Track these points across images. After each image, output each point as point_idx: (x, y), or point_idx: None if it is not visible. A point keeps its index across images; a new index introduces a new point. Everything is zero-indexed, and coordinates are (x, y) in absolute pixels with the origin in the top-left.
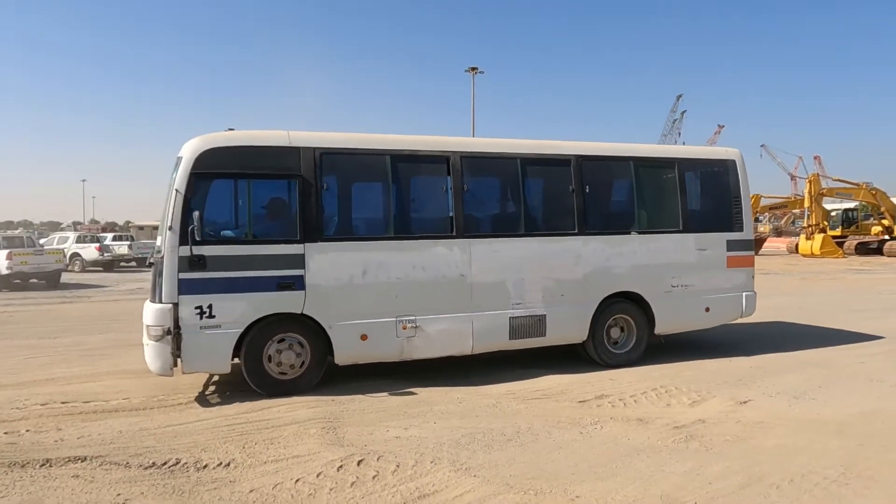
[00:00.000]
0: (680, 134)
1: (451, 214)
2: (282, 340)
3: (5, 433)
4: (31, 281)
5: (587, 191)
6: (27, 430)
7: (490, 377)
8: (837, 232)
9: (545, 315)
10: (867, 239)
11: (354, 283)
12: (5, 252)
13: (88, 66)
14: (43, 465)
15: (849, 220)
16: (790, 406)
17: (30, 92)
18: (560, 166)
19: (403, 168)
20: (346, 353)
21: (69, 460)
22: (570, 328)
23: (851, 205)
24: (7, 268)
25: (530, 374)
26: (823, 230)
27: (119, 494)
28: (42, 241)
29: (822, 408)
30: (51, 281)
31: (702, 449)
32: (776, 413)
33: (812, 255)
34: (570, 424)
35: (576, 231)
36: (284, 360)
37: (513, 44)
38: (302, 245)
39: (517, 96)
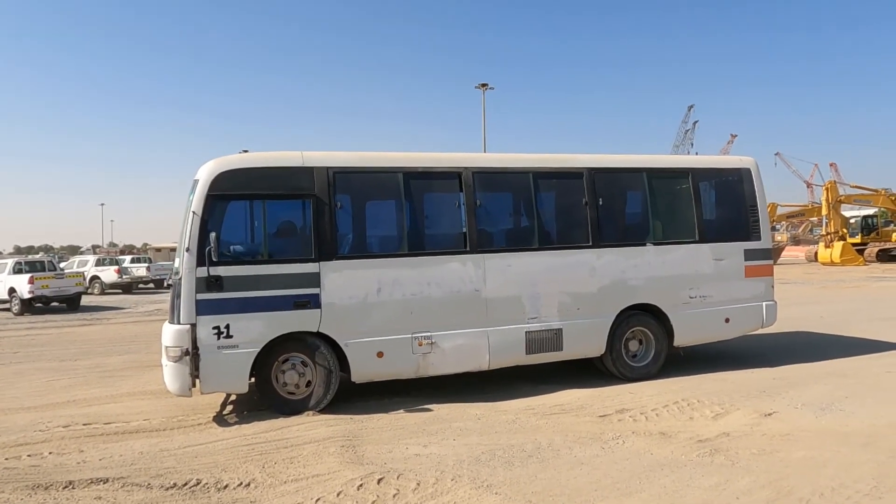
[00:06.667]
0: (692, 144)
1: (464, 230)
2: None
3: (29, 455)
4: (53, 304)
5: (600, 203)
6: (50, 453)
7: (507, 393)
8: (857, 239)
9: (562, 329)
10: (888, 246)
11: (369, 301)
12: (27, 276)
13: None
14: (66, 486)
15: (868, 226)
16: (816, 418)
17: (50, 119)
18: (572, 179)
19: (416, 185)
20: (362, 370)
21: (91, 482)
22: (587, 342)
23: (871, 211)
24: (29, 292)
25: (548, 389)
26: (843, 237)
27: None
28: (63, 264)
29: (850, 419)
30: (71, 304)
31: (727, 463)
32: (802, 425)
33: (832, 264)
34: (592, 439)
35: (590, 244)
36: (299, 380)
37: (522, 60)
38: (317, 264)
39: (527, 113)
